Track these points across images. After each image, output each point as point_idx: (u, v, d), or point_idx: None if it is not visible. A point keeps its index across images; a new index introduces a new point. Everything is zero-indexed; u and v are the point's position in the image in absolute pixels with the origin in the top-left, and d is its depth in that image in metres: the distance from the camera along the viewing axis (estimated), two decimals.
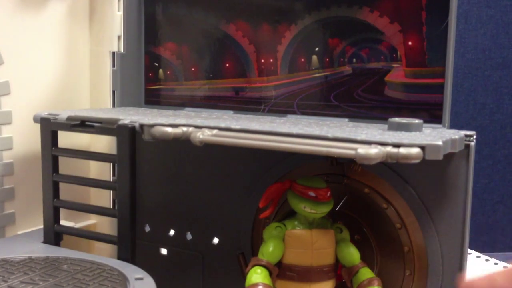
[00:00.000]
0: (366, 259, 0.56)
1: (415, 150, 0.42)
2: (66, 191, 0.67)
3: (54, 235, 0.64)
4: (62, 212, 0.68)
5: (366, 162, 0.41)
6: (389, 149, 0.42)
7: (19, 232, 0.68)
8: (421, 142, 0.42)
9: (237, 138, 0.48)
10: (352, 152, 0.42)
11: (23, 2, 0.66)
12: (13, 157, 0.67)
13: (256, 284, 0.52)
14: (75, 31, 0.72)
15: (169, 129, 0.52)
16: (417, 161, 0.42)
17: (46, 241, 0.64)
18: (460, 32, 1.32)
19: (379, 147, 0.42)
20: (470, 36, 1.33)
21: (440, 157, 0.43)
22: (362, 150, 0.42)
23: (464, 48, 1.33)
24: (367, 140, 0.43)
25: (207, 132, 0.50)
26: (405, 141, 0.43)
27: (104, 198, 0.75)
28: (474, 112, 1.34)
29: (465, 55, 1.34)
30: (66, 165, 0.66)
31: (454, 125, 0.54)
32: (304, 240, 0.53)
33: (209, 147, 0.52)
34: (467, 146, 0.51)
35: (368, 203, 0.58)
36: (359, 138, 0.44)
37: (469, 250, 0.95)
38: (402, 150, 0.42)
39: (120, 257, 0.60)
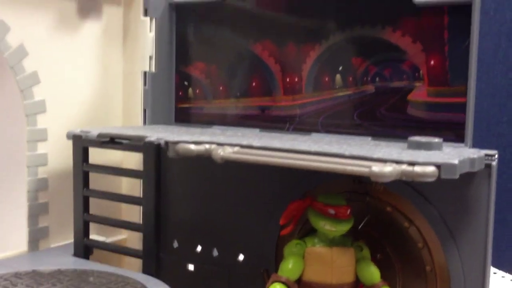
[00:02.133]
0: (388, 278, 0.56)
1: (430, 169, 0.42)
2: (99, 206, 0.69)
3: (83, 248, 0.66)
4: (95, 226, 0.70)
5: (380, 180, 0.42)
6: (404, 167, 0.43)
7: (52, 246, 0.70)
8: (437, 161, 0.42)
9: (256, 155, 0.49)
10: (366, 169, 0.42)
11: (60, 23, 0.69)
12: (47, 173, 0.69)
13: None
14: (109, 51, 0.75)
15: (193, 146, 0.53)
16: (433, 179, 0.42)
17: (76, 254, 0.66)
18: (504, 51, 1.30)
19: (393, 165, 0.42)
20: None
21: (456, 176, 0.43)
22: (376, 168, 0.42)
23: (507, 67, 1.31)
24: (382, 158, 0.44)
25: (229, 149, 0.51)
26: (420, 160, 0.43)
27: (135, 213, 0.76)
28: None
29: (509, 74, 1.31)
30: (101, 181, 0.69)
31: (496, 146, 0.54)
32: (324, 258, 0.53)
33: (235, 165, 0.53)
34: (489, 166, 0.51)
35: (390, 222, 0.58)
36: (374, 156, 0.44)
37: (495, 270, 0.93)
38: (417, 169, 0.42)
39: (144, 271, 0.61)
